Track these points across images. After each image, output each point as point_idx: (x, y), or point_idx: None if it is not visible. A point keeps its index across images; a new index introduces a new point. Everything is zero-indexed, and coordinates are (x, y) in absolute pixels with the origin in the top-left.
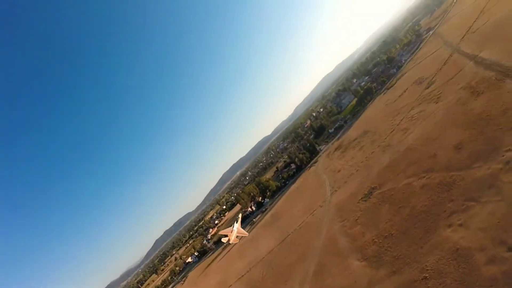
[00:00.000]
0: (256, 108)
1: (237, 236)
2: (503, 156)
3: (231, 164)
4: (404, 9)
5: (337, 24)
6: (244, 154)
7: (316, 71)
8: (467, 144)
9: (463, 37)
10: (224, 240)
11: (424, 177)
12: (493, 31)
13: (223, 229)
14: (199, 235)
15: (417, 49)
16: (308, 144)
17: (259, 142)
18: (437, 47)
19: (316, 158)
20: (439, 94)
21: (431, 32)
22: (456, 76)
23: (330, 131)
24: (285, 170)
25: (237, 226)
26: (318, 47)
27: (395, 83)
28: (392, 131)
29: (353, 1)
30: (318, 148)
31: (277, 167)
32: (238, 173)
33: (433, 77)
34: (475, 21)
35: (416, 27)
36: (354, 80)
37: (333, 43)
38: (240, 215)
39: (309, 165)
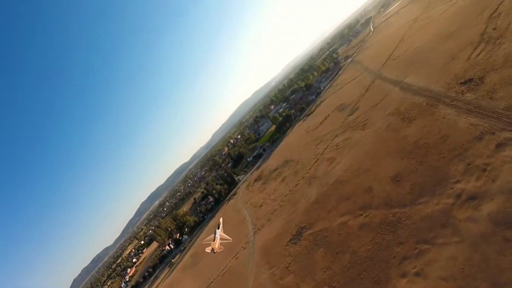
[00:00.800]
0: (173, 134)
1: (221, 243)
2: (452, 188)
3: (149, 193)
4: (321, 40)
5: (255, 52)
6: (162, 182)
7: (234, 98)
8: (406, 175)
9: (384, 64)
10: (207, 250)
11: (361, 215)
12: (415, 57)
13: (204, 239)
14: (117, 276)
15: (336, 75)
16: (225, 174)
17: (177, 169)
18: (357, 73)
19: (235, 189)
20: (365, 121)
21: (349, 60)
22: (382, 102)
23: (248, 159)
24: (203, 202)
25: (219, 232)
26: (236, 74)
27: (314, 110)
28: (316, 161)
29: (272, 30)
30: (236, 179)
31: (194, 199)
32: (156, 203)
33: (356, 103)
34: (395, 49)
35: (334, 55)
36: (272, 107)
37: (251, 70)
38: (221, 219)
39: (228, 197)
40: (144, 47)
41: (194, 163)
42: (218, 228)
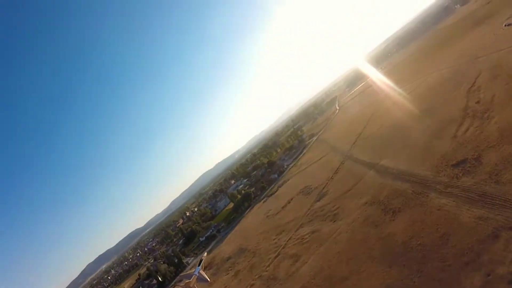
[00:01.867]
0: (131, 198)
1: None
2: None
3: (97, 255)
4: (287, 116)
5: (222, 124)
6: (112, 246)
7: (197, 167)
8: None
9: (354, 143)
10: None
11: None
12: (389, 137)
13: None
14: None
15: (300, 154)
16: (173, 255)
17: (130, 233)
18: (324, 153)
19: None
20: (336, 210)
21: (315, 138)
22: (355, 187)
23: (201, 239)
24: (147, 282)
25: (199, 269)
26: (201, 143)
27: (276, 191)
28: (276, 256)
29: (240, 104)
30: (185, 262)
31: (139, 274)
32: (103, 267)
33: (323, 187)
34: (365, 127)
35: (299, 132)
36: (233, 182)
37: (215, 141)
38: (205, 254)
39: (172, 283)
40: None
41: (149, 229)
42: (199, 265)
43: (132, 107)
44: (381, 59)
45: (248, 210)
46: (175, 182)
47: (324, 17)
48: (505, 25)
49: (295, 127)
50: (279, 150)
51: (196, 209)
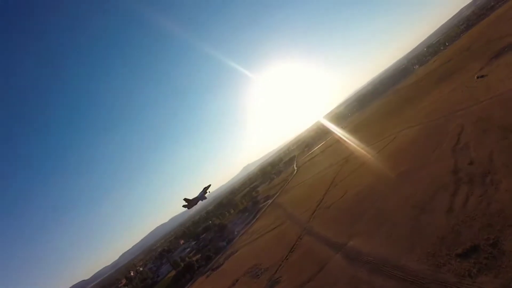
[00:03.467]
0: (81, 246)
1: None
2: None
3: None
4: (244, 174)
5: (178, 176)
6: None
7: (150, 220)
8: None
9: (314, 213)
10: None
11: None
12: (358, 207)
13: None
14: None
15: (253, 219)
16: None
17: (75, 284)
18: (278, 221)
19: None
20: None
21: (270, 201)
22: (317, 277)
23: None
24: None
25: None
26: (156, 196)
27: (222, 264)
28: None
29: (200, 158)
30: None
31: None
32: None
33: (276, 270)
34: (326, 193)
35: (254, 193)
36: (182, 242)
37: (171, 193)
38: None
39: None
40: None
41: (94, 283)
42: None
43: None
44: (342, 118)
45: (189, 284)
46: (128, 235)
47: (288, 81)
48: (477, 77)
49: (251, 186)
50: (232, 211)
51: (141, 269)
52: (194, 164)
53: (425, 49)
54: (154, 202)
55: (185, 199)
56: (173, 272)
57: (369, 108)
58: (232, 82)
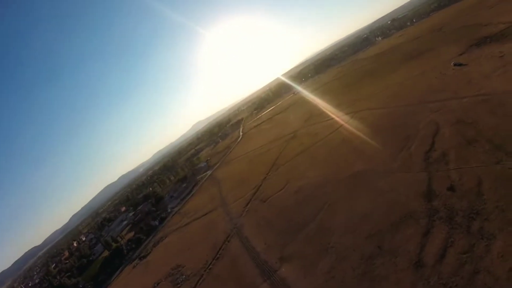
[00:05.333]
0: (30, 212)
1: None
2: None
3: None
4: (194, 131)
5: (127, 134)
6: (8, 266)
7: (99, 180)
8: None
9: (248, 204)
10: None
11: None
12: (299, 215)
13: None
14: None
15: (188, 194)
16: None
17: (27, 252)
18: (211, 205)
19: None
20: None
21: (209, 173)
22: None
23: None
24: None
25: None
26: (105, 154)
27: (150, 252)
28: None
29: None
30: None
31: None
32: None
33: (197, 282)
34: (265, 177)
35: (195, 160)
36: (123, 209)
37: (121, 150)
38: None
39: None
40: None
41: (46, 249)
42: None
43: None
44: (296, 82)
45: (118, 272)
46: (77, 195)
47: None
48: (454, 64)
49: (196, 148)
50: (172, 178)
51: (84, 239)
52: (144, 121)
53: (389, 22)
54: (102, 161)
55: None
56: (106, 252)
57: (325, 75)
58: (181, 37)
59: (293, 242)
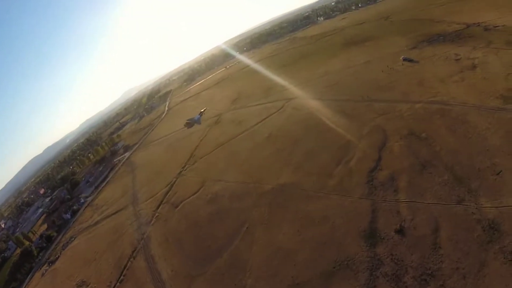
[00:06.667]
0: None
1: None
2: None
3: None
4: (124, 100)
5: (53, 101)
6: None
7: (24, 153)
8: None
9: (158, 207)
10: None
11: None
12: (211, 239)
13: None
14: None
15: (103, 182)
16: None
17: None
18: (122, 201)
19: None
20: None
21: (126, 156)
22: None
23: None
24: None
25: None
26: (31, 125)
27: (57, 259)
28: None
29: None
30: None
31: None
32: None
33: None
34: (181, 172)
35: (116, 137)
36: (42, 191)
37: (46, 121)
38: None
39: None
40: None
41: None
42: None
43: None
44: (228, 57)
45: (26, 284)
46: (1, 169)
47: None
48: (404, 59)
49: (121, 121)
50: (92, 157)
51: (3, 226)
52: (72, 87)
53: (333, 3)
54: (30, 131)
55: (187, 120)
56: (19, 250)
57: (260, 51)
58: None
59: (202, 277)
